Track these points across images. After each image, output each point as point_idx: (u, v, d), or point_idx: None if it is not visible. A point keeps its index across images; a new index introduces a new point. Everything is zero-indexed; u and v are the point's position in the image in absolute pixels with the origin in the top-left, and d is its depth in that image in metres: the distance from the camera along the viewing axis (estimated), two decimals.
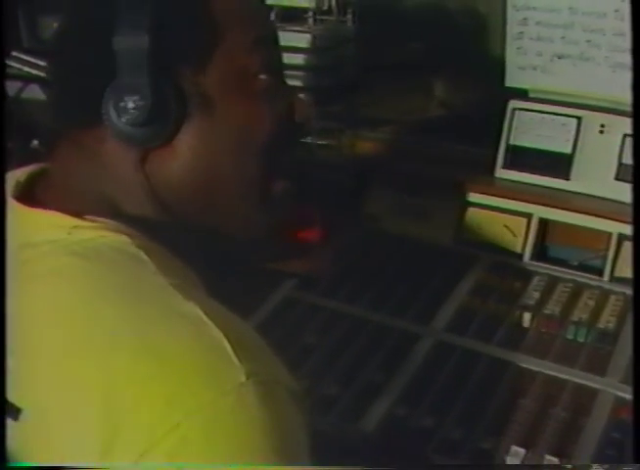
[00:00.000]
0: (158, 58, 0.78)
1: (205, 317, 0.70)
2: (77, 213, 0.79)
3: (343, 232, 1.54)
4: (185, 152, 0.81)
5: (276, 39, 0.91)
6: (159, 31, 0.77)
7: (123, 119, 0.78)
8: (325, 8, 1.68)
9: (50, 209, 0.80)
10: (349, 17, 1.69)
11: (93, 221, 0.79)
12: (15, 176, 0.87)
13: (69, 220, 0.78)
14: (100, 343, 0.70)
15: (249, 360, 0.68)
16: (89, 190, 0.82)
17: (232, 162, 0.84)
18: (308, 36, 1.68)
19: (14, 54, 1.70)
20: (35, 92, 1.73)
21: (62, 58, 0.85)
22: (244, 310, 1.36)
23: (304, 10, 1.70)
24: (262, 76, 0.85)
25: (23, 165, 0.89)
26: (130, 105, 0.78)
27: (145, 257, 0.77)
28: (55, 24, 1.73)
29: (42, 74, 1.67)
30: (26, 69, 1.72)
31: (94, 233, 0.78)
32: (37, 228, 0.79)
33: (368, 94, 1.77)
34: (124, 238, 0.78)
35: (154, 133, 0.80)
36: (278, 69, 0.90)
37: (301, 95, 1.01)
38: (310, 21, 1.70)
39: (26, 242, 0.79)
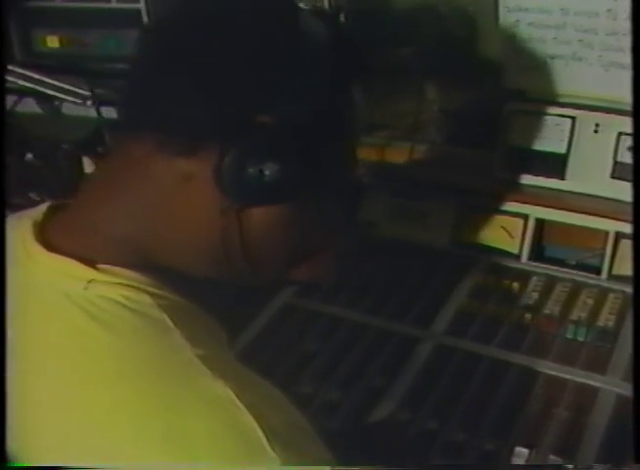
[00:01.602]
0: (313, 134, 0.76)
1: (236, 400, 0.67)
2: (95, 262, 0.75)
3: (342, 238, 1.54)
4: (284, 212, 0.80)
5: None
6: (324, 111, 0.77)
7: (248, 181, 0.74)
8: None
9: (66, 253, 0.76)
10: (342, 20, 1.69)
11: (110, 274, 0.75)
12: (31, 216, 0.82)
13: (86, 272, 0.74)
14: (124, 430, 0.67)
15: (283, 448, 0.65)
16: (119, 234, 0.78)
17: (304, 230, 0.85)
18: None
19: (8, 67, 1.70)
20: (30, 106, 1.73)
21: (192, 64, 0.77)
22: (244, 318, 1.38)
23: None
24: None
25: (18, 178, 0.87)
26: (267, 171, 0.74)
27: (170, 323, 0.73)
28: (49, 38, 1.74)
29: (38, 88, 1.67)
30: (21, 82, 1.72)
31: (112, 291, 0.74)
32: (52, 276, 0.75)
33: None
34: (146, 298, 0.74)
35: (275, 201, 0.78)
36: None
37: None
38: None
39: (40, 288, 0.76)
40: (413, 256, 1.53)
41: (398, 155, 1.72)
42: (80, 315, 0.73)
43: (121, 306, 0.73)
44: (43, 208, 0.84)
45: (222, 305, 0.83)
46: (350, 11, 1.69)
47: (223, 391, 0.68)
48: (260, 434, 0.65)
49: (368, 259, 1.54)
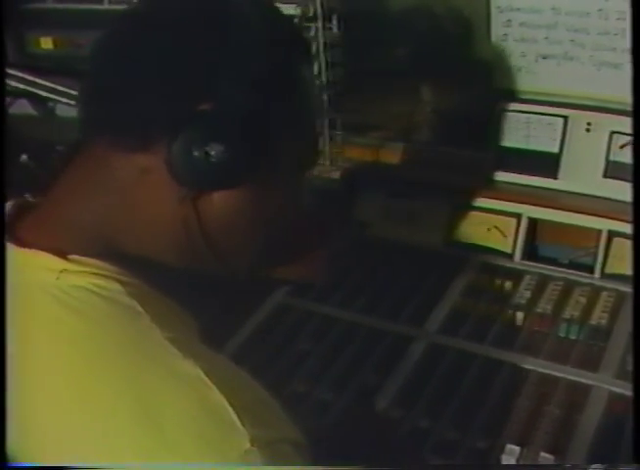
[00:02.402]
0: (254, 113, 0.77)
1: (205, 378, 0.68)
2: (65, 253, 0.76)
3: (335, 238, 1.54)
4: (237, 198, 0.80)
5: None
6: (262, 91, 0.77)
7: (199, 164, 0.75)
8: (310, 14, 1.68)
9: (38, 246, 0.77)
10: (335, 23, 1.69)
11: (81, 264, 0.76)
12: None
13: (57, 263, 0.75)
14: (100, 404, 0.68)
15: (252, 423, 0.67)
16: (86, 225, 0.79)
17: (268, 213, 0.84)
18: None
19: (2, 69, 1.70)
20: (24, 107, 1.73)
21: (127, 65, 0.79)
22: (238, 318, 1.38)
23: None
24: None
25: (12, 180, 0.88)
26: (211, 152, 0.75)
27: (140, 308, 0.74)
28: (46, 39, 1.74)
29: (31, 89, 1.67)
30: (14, 83, 1.72)
31: (83, 280, 0.75)
32: (26, 270, 0.76)
33: (356, 99, 1.77)
34: (116, 286, 0.75)
35: (226, 183, 0.78)
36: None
37: None
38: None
39: (18, 284, 0.76)
40: (406, 255, 1.53)
41: (392, 155, 1.72)
42: (54, 305, 0.74)
43: (93, 294, 0.75)
44: (13, 204, 0.85)
45: (192, 294, 0.84)
46: (343, 13, 1.69)
47: (193, 370, 0.69)
48: (230, 410, 0.67)
49: (361, 259, 1.54)
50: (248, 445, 0.65)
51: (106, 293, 0.75)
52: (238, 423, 0.66)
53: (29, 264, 0.77)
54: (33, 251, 0.77)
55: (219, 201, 0.79)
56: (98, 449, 0.67)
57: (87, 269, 0.76)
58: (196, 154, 0.75)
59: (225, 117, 0.76)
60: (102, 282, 0.75)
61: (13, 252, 0.78)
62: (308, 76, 0.87)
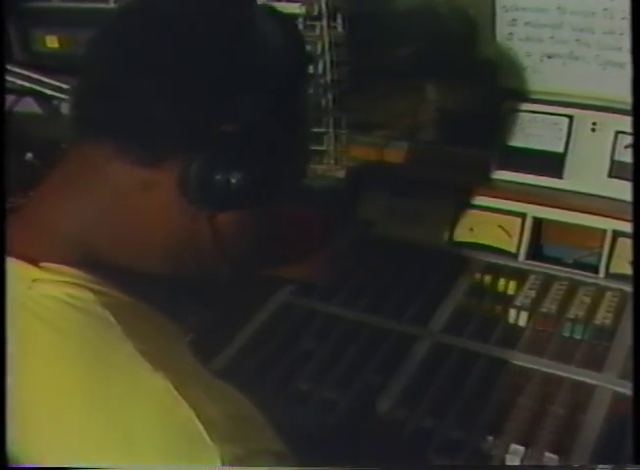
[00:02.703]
0: (275, 139, 0.77)
1: (174, 392, 0.68)
2: (37, 261, 0.75)
3: (339, 237, 1.54)
4: (254, 217, 0.81)
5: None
6: (283, 117, 0.78)
7: (213, 188, 0.75)
8: (315, 13, 1.68)
9: (13, 253, 0.76)
10: (339, 22, 1.69)
11: (55, 273, 0.75)
12: None
13: (30, 271, 0.75)
14: (70, 416, 0.68)
15: (222, 439, 0.66)
16: (64, 232, 0.78)
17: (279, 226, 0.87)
18: None
19: (7, 67, 1.70)
20: (28, 105, 1.73)
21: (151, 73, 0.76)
22: (241, 317, 1.38)
23: (295, 16, 1.70)
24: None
25: (17, 178, 0.87)
26: (233, 180, 0.74)
27: (112, 318, 0.73)
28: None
29: (37, 87, 1.67)
30: (20, 82, 1.72)
31: (56, 289, 0.74)
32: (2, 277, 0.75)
33: (360, 98, 1.77)
34: (89, 295, 0.74)
35: (243, 206, 0.78)
36: None
37: None
38: (301, 26, 1.70)
39: None
40: (410, 254, 1.53)
41: (396, 154, 1.72)
42: (26, 315, 0.73)
43: (64, 304, 0.74)
44: None
45: (172, 302, 0.83)
46: (348, 12, 1.69)
47: (162, 383, 0.69)
48: (199, 425, 0.66)
49: (366, 258, 1.54)
50: (218, 461, 0.65)
51: (78, 303, 0.74)
52: (207, 438, 0.66)
53: (6, 271, 0.75)
54: (9, 258, 0.76)
55: (235, 217, 0.79)
56: (67, 452, 0.67)
57: (60, 278, 0.75)
58: (218, 177, 0.74)
59: (248, 143, 0.75)
60: (75, 292, 0.74)
61: None
62: (307, 95, 0.87)
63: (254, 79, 0.76)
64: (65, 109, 1.77)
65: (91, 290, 0.75)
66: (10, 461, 0.73)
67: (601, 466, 1.07)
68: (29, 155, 1.63)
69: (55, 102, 1.77)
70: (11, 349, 0.72)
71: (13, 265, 0.75)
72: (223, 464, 0.64)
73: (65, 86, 1.68)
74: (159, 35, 0.77)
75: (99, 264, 0.77)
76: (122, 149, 0.76)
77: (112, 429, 0.67)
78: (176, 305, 0.83)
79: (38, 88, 1.69)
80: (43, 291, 0.74)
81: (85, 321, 0.73)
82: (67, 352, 0.72)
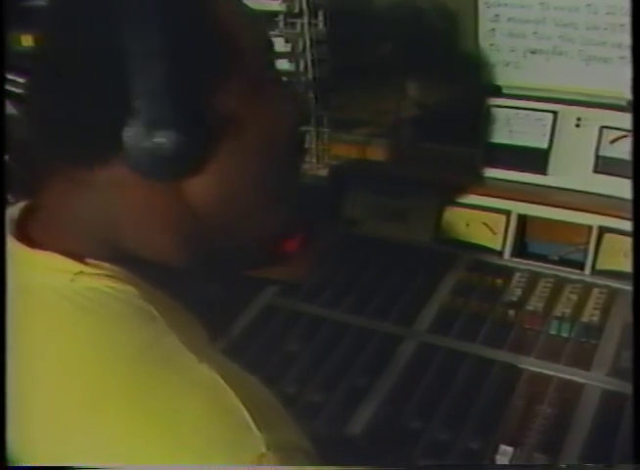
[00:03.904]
0: (180, 84, 0.74)
1: (222, 382, 0.68)
2: (79, 256, 0.75)
3: (322, 236, 1.53)
4: (217, 173, 0.77)
5: (271, 41, 0.89)
6: (174, 55, 0.73)
7: (152, 154, 0.73)
8: (296, 11, 1.67)
9: (51, 249, 0.75)
10: (321, 19, 1.68)
11: (97, 267, 0.75)
12: (8, 213, 0.81)
13: (72, 265, 0.74)
14: (115, 405, 0.67)
15: (268, 428, 0.66)
16: (89, 232, 0.77)
17: (259, 170, 0.81)
18: (280, 40, 1.67)
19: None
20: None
21: (60, 89, 0.76)
22: (225, 318, 1.37)
23: (275, 13, 1.69)
24: (270, 76, 0.83)
25: None
26: (159, 138, 0.73)
27: (155, 312, 0.73)
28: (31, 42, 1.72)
29: (10, 88, 1.65)
30: None
31: (99, 282, 0.74)
32: (38, 271, 0.75)
33: (342, 96, 1.76)
34: (131, 289, 0.74)
35: (188, 164, 0.76)
36: (276, 68, 0.89)
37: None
38: (281, 24, 1.69)
39: (27, 285, 0.75)
40: (395, 253, 1.52)
41: (379, 152, 1.71)
42: (69, 307, 0.73)
43: (109, 296, 0.73)
44: (20, 206, 0.83)
45: (203, 303, 0.82)
46: (329, 9, 1.68)
47: (210, 374, 0.69)
48: (246, 414, 0.66)
49: (349, 258, 1.53)
50: (264, 448, 0.64)
51: (122, 295, 0.74)
52: (254, 427, 0.65)
53: (42, 266, 0.75)
54: (47, 252, 0.75)
55: (201, 184, 0.77)
56: (114, 452, 0.66)
57: (103, 272, 0.75)
58: (147, 145, 0.73)
59: (156, 104, 0.73)
60: (118, 285, 0.74)
61: (23, 253, 0.77)
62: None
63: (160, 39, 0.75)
64: None
65: (132, 284, 0.75)
66: (10, 461, 0.72)
67: (591, 465, 1.06)
68: (6, 157, 1.61)
69: None
70: (48, 338, 0.72)
71: (52, 259, 0.75)
72: (268, 451, 0.64)
73: None
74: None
75: (130, 260, 0.77)
76: (77, 163, 0.76)
77: (159, 417, 0.66)
78: (196, 299, 0.82)
79: (13, 89, 1.67)
80: (87, 283, 0.74)
81: (130, 312, 0.73)
82: (113, 341, 0.71)
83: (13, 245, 0.77)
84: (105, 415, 0.68)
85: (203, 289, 0.85)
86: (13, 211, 0.82)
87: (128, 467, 0.65)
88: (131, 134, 0.73)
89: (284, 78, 1.55)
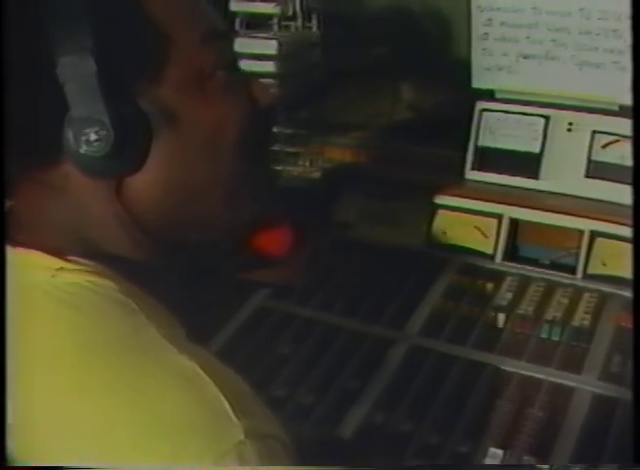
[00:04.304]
0: (109, 80, 0.73)
1: (201, 372, 0.68)
2: (59, 254, 0.76)
3: (315, 239, 1.53)
4: (158, 169, 0.76)
5: (224, 31, 0.87)
6: (103, 51, 0.72)
7: (88, 153, 0.73)
8: (290, 14, 1.67)
9: (32, 246, 0.76)
10: (314, 22, 1.68)
11: (77, 263, 0.76)
12: None
13: (53, 261, 0.75)
14: (98, 397, 0.68)
15: (246, 417, 0.67)
16: (64, 230, 0.78)
17: (206, 166, 0.80)
18: (274, 43, 1.67)
19: None
20: None
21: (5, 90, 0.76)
22: (217, 321, 1.37)
23: (269, 16, 1.69)
24: (219, 72, 0.80)
25: None
26: (92, 137, 0.72)
27: (134, 305, 0.74)
28: None
29: None
30: None
31: (79, 277, 0.75)
32: (20, 269, 0.75)
33: (335, 99, 1.76)
34: (111, 283, 0.75)
35: (124, 161, 0.75)
36: (232, 60, 0.87)
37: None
38: (275, 27, 1.69)
39: (11, 284, 0.75)
40: (387, 256, 1.52)
41: (372, 155, 1.71)
42: (50, 302, 0.73)
43: (89, 290, 0.74)
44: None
45: (179, 300, 0.82)
46: (323, 12, 1.68)
47: (189, 364, 0.69)
48: (225, 402, 0.67)
49: (341, 261, 1.53)
50: (242, 436, 0.65)
51: (102, 290, 0.75)
52: (232, 415, 0.66)
53: (24, 264, 0.76)
54: (27, 250, 0.76)
55: (140, 183, 0.76)
56: (96, 441, 0.67)
57: (83, 268, 0.76)
58: (81, 145, 0.72)
59: (86, 101, 0.73)
60: (98, 280, 0.75)
61: (6, 252, 0.77)
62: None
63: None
64: None
65: (111, 279, 0.76)
66: (10, 461, 0.72)
67: (577, 466, 1.07)
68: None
69: None
70: (35, 335, 0.73)
71: (34, 257, 0.76)
72: (247, 438, 0.65)
73: None
74: None
75: (105, 256, 0.77)
76: (29, 166, 0.76)
77: (140, 407, 0.67)
78: (171, 296, 0.82)
79: None
80: (67, 279, 0.75)
81: (110, 306, 0.74)
82: (94, 334, 0.72)
83: None
84: (87, 407, 0.68)
85: (177, 286, 0.85)
86: None
87: (128, 467, 0.66)
88: (68, 133, 0.73)
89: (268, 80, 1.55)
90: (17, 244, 0.77)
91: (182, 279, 0.87)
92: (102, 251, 0.78)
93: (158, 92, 0.76)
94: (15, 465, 0.73)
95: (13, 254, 0.77)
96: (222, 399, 0.67)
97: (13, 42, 0.74)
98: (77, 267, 0.75)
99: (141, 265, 0.79)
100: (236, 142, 0.81)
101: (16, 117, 0.76)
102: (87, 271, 0.75)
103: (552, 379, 1.22)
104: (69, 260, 0.76)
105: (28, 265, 0.76)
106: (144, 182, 0.77)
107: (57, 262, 0.75)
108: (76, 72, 0.72)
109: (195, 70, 0.79)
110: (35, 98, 0.74)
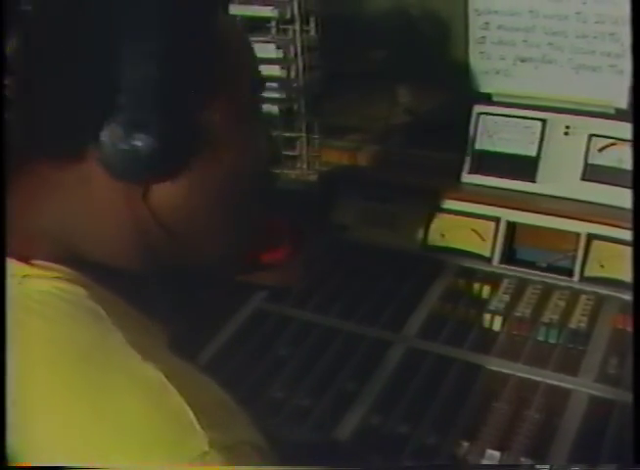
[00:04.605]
0: (172, 91, 0.74)
1: (165, 381, 0.68)
2: (27, 258, 0.75)
3: (312, 242, 1.53)
4: (189, 184, 0.78)
5: (264, 84, 0.90)
6: (172, 62, 0.74)
7: (126, 155, 0.73)
8: (288, 17, 1.67)
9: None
10: (312, 25, 1.68)
11: (44, 269, 0.75)
12: None
13: (19, 268, 0.74)
14: (60, 406, 0.68)
15: (211, 426, 0.66)
16: (44, 232, 0.78)
17: (226, 192, 0.82)
18: (272, 46, 1.67)
19: None
20: None
21: (36, 78, 0.77)
22: (215, 323, 1.37)
23: (267, 19, 1.69)
24: (254, 114, 0.84)
25: None
26: (137, 140, 0.73)
27: (102, 312, 0.73)
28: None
29: None
30: None
31: (47, 284, 0.74)
32: None
33: (333, 102, 1.77)
34: (80, 290, 0.74)
35: (161, 169, 0.76)
36: (261, 105, 0.90)
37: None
38: (273, 30, 1.70)
39: None
40: (384, 259, 1.52)
41: (369, 158, 1.72)
42: (18, 310, 0.73)
43: (55, 297, 0.74)
44: None
45: (159, 303, 0.82)
46: (321, 15, 1.69)
47: (153, 373, 0.69)
48: (189, 413, 0.66)
49: (339, 263, 1.53)
50: (206, 447, 0.65)
51: (69, 296, 0.74)
52: (196, 425, 0.66)
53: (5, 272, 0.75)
54: None
55: (168, 192, 0.78)
56: (61, 449, 0.67)
57: (50, 274, 0.75)
58: (124, 147, 0.73)
59: (143, 107, 0.74)
60: (65, 286, 0.74)
61: None
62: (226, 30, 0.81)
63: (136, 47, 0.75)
64: None
65: (81, 285, 0.75)
66: (10, 461, 0.72)
67: (574, 466, 1.07)
68: None
69: None
70: (8, 342, 0.72)
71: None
72: (211, 449, 0.64)
73: None
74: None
75: (82, 262, 0.77)
76: (51, 154, 0.77)
77: (101, 416, 0.67)
78: (153, 303, 0.82)
79: None
80: (34, 286, 0.74)
81: (76, 313, 0.73)
82: (57, 342, 0.71)
83: None
84: (51, 418, 0.68)
85: (167, 295, 0.85)
86: None
87: (129, 467, 0.65)
88: (110, 132, 0.73)
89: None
90: None
91: (174, 289, 0.87)
92: (82, 257, 0.78)
93: (210, 115, 0.77)
94: (15, 465, 0.73)
95: None
96: (186, 408, 0.66)
97: (63, 30, 0.75)
98: (44, 273, 0.75)
99: (130, 272, 0.80)
100: (253, 179, 0.84)
101: (49, 104, 0.76)
102: (55, 278, 0.75)
103: (549, 381, 1.23)
104: (35, 266, 0.75)
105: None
106: (172, 192, 0.78)
107: (23, 269, 0.74)
108: (139, 75, 0.73)
109: (240, 107, 0.81)
110: (74, 90, 0.74)
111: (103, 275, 0.77)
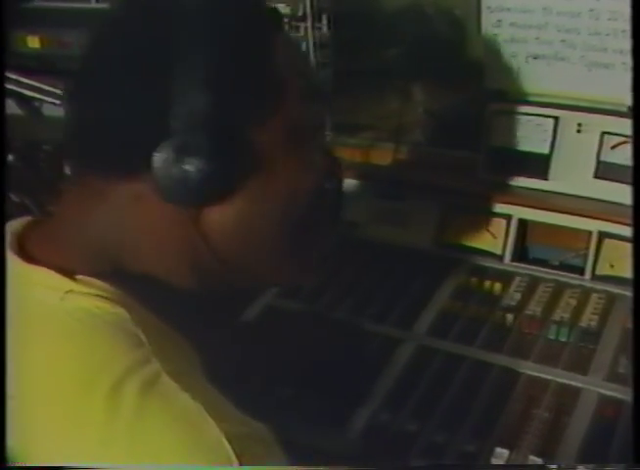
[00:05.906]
0: (222, 115, 0.75)
1: (204, 413, 0.68)
2: (71, 272, 0.76)
3: (324, 238, 1.53)
4: (238, 208, 0.79)
5: (321, 92, 0.90)
6: (222, 87, 0.75)
7: (178, 177, 0.75)
8: (300, 14, 1.67)
9: (43, 264, 0.76)
10: (325, 22, 1.68)
11: (88, 285, 0.75)
12: (10, 227, 0.83)
13: (63, 282, 0.75)
14: (93, 441, 0.67)
15: (247, 459, 0.67)
16: (91, 247, 0.79)
17: (278, 216, 0.83)
18: None
19: None
20: (9, 107, 1.72)
21: (99, 98, 0.79)
22: (226, 320, 1.37)
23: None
24: (309, 136, 0.85)
25: None
26: (189, 164, 0.74)
27: (143, 337, 0.73)
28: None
29: (16, 89, 1.65)
30: None
31: (89, 302, 0.75)
32: (31, 286, 0.76)
33: (345, 100, 1.76)
34: (122, 311, 0.75)
35: (212, 192, 0.77)
36: (322, 123, 0.89)
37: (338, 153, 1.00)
38: (285, 27, 1.70)
39: (22, 299, 0.76)
40: (396, 256, 1.52)
41: (382, 156, 1.71)
42: (57, 326, 0.73)
43: (97, 318, 0.74)
44: (24, 220, 0.85)
45: (195, 325, 0.83)
46: (333, 12, 1.68)
47: (192, 403, 0.69)
48: (227, 445, 0.67)
49: (350, 260, 1.53)
50: None
51: (110, 318, 0.74)
52: (234, 458, 0.66)
53: (35, 281, 0.76)
54: (39, 268, 0.77)
55: (219, 215, 0.79)
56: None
57: (93, 291, 0.75)
58: (174, 169, 0.74)
59: (195, 131, 0.75)
60: (108, 306, 0.75)
61: (19, 267, 0.78)
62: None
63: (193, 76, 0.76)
64: (46, 110, 1.76)
65: (123, 306, 0.75)
66: (10, 461, 0.73)
67: (582, 466, 1.07)
68: (11, 157, 1.62)
69: (35, 103, 1.75)
70: (37, 353, 0.73)
71: (44, 275, 0.76)
72: None
73: (46, 87, 1.67)
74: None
75: (126, 279, 0.78)
76: (106, 170, 0.79)
77: (138, 447, 0.67)
78: (194, 325, 0.83)
79: (19, 89, 1.68)
80: (76, 303, 0.74)
81: (116, 337, 0.73)
82: (94, 366, 0.71)
83: (11, 258, 0.78)
84: (80, 441, 0.68)
85: (207, 318, 0.86)
86: (15, 226, 0.83)
87: (128, 467, 0.66)
88: (162, 155, 0.74)
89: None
90: (31, 260, 0.78)
91: (216, 310, 0.88)
92: (128, 273, 0.79)
93: (259, 137, 0.79)
94: (15, 465, 0.73)
95: (26, 270, 0.77)
96: (223, 440, 0.67)
97: (129, 53, 0.77)
98: (87, 290, 0.75)
99: (175, 292, 0.80)
100: (309, 201, 0.85)
101: (106, 123, 0.78)
102: (98, 295, 0.75)
103: (559, 379, 1.22)
104: (79, 281, 0.75)
105: (39, 284, 0.76)
106: (223, 216, 0.79)
107: (66, 284, 0.75)
108: (193, 101, 0.75)
109: (297, 124, 0.82)
110: (136, 112, 0.76)
111: (146, 294, 0.77)
